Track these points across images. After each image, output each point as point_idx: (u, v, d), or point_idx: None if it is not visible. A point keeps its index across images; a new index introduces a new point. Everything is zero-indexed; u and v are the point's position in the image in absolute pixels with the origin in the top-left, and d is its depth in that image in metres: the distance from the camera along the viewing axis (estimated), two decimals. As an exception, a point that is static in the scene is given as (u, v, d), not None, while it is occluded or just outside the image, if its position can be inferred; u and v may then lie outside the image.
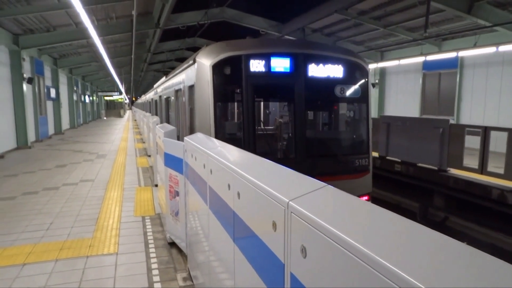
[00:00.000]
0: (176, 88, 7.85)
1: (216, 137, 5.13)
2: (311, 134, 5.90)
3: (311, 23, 15.10)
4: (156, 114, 14.59)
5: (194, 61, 5.61)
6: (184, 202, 3.85)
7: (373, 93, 18.69)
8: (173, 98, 8.69)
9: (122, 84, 39.78)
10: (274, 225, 1.34)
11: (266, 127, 7.09)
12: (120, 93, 45.11)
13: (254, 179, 1.56)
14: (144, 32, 17.69)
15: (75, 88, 27.00)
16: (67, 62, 22.41)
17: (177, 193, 4.07)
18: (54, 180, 8.34)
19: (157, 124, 7.14)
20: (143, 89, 69.36)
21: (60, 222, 5.39)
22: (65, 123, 23.72)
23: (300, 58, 5.38)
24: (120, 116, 48.55)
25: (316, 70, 5.47)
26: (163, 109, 11.65)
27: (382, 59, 18.03)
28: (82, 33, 14.38)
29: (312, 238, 1.08)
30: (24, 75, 14.32)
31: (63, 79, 23.92)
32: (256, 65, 5.23)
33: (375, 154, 10.54)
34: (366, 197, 5.72)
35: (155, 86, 17.12)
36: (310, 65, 5.43)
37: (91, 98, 37.38)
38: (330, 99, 5.74)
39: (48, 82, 20.07)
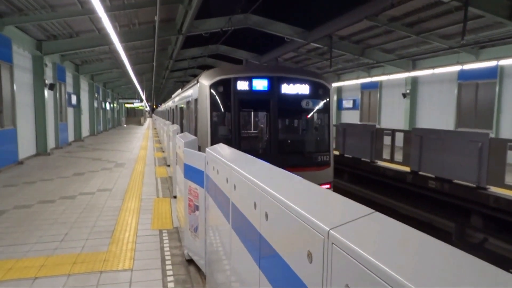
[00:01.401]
0: (187, 100, 10.28)
1: (212, 138, 7.35)
2: (282, 136, 8.10)
3: (338, 30, 15.10)
4: (173, 122, 16.43)
5: (198, 82, 7.98)
6: (204, 218, 3.73)
7: (404, 104, 18.37)
8: (185, 107, 11.02)
9: (143, 91, 40.43)
10: (310, 255, 1.19)
11: (249, 131, 9.75)
12: (141, 101, 45.89)
13: (285, 199, 1.41)
14: (167, 39, 17.94)
15: (96, 95, 27.59)
16: (88, 69, 22.95)
17: (196, 207, 3.96)
18: (72, 188, 8.41)
19: (177, 133, 7.10)
20: (164, 96, 70.46)
21: (75, 233, 5.36)
22: (85, 130, 24.22)
23: (274, 80, 7.59)
24: (140, 124, 49.41)
25: (287, 89, 7.67)
26: (178, 117, 14.17)
27: (414, 68, 17.74)
28: (105, 39, 14.68)
29: (360, 278, 0.92)
30: (46, 81, 14.69)
31: (84, 86, 24.50)
32: (242, 85, 7.45)
33: (406, 168, 10.61)
34: (328, 185, 7.82)
35: (173, 96, 19.79)
36: (282, 85, 7.62)
37: (111, 105, 38.15)
38: (298, 110, 8.00)
39: (70, 88, 20.58)
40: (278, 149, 7.59)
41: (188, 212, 4.28)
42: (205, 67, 33.54)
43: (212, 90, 7.41)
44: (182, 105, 12.19)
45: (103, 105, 32.32)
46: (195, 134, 7.99)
